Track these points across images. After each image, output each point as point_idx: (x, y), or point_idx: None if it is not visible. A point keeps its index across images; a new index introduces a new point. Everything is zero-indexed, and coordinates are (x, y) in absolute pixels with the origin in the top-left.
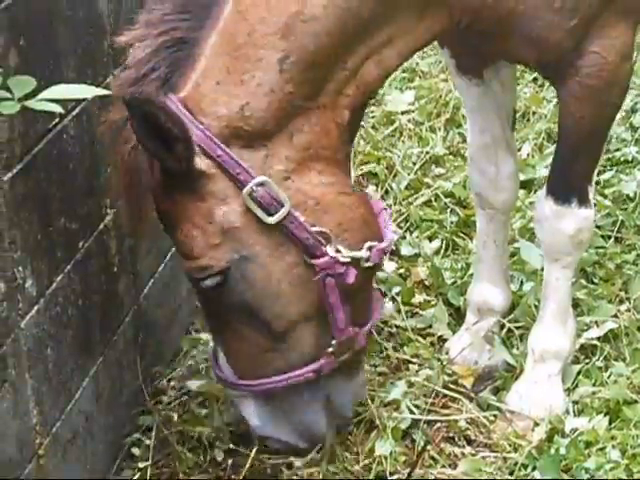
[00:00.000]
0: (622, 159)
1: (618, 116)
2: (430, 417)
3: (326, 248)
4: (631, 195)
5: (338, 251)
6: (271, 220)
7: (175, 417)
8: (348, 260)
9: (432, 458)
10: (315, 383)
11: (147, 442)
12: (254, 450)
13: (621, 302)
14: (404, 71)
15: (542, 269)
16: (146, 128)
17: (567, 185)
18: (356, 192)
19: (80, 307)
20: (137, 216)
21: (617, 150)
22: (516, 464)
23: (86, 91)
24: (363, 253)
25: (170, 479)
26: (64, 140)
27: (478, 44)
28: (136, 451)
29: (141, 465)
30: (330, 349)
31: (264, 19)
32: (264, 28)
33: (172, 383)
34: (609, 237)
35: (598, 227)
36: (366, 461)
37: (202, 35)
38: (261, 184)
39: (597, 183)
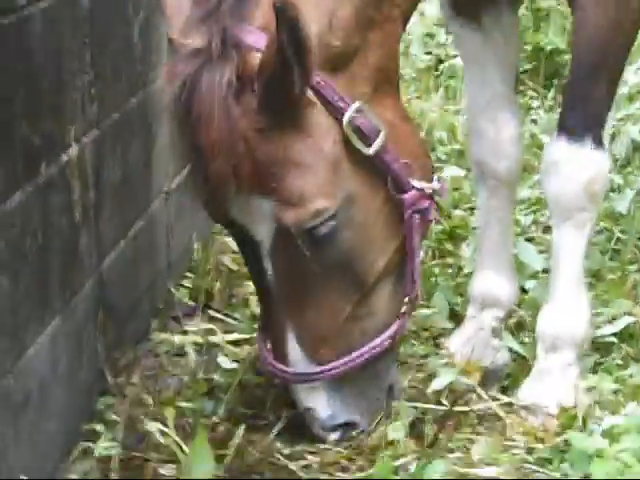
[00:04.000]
0: None
1: None
2: (442, 407)
3: (411, 181)
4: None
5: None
6: (370, 151)
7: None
8: (430, 192)
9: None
10: (383, 367)
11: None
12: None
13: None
14: None
15: (543, 271)
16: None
17: (582, 119)
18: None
19: (39, 244)
20: (231, 170)
21: None
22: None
23: None
24: (436, 185)
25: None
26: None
27: None
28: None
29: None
30: (404, 308)
31: None
32: None
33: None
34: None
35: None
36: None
37: None
38: (359, 110)
39: None
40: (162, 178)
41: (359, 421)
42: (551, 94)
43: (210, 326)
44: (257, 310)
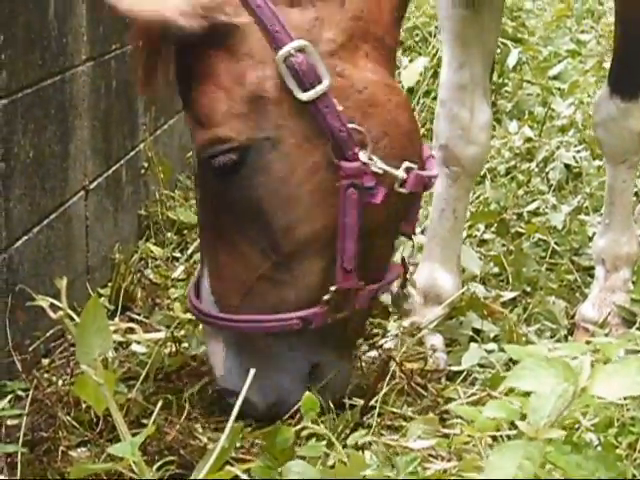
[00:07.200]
0: None
1: None
2: None
3: (359, 151)
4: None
5: (371, 159)
6: (304, 97)
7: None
8: (381, 173)
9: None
10: (301, 342)
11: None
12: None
13: None
14: None
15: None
16: None
17: (632, 81)
18: (402, 91)
19: None
20: (152, 68)
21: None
22: None
23: None
24: (400, 172)
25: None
26: None
27: None
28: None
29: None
30: (327, 296)
31: None
32: None
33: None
34: None
35: None
36: None
37: None
38: (301, 50)
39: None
40: (80, 175)
41: (250, 396)
42: None
43: (130, 325)
44: (181, 315)
